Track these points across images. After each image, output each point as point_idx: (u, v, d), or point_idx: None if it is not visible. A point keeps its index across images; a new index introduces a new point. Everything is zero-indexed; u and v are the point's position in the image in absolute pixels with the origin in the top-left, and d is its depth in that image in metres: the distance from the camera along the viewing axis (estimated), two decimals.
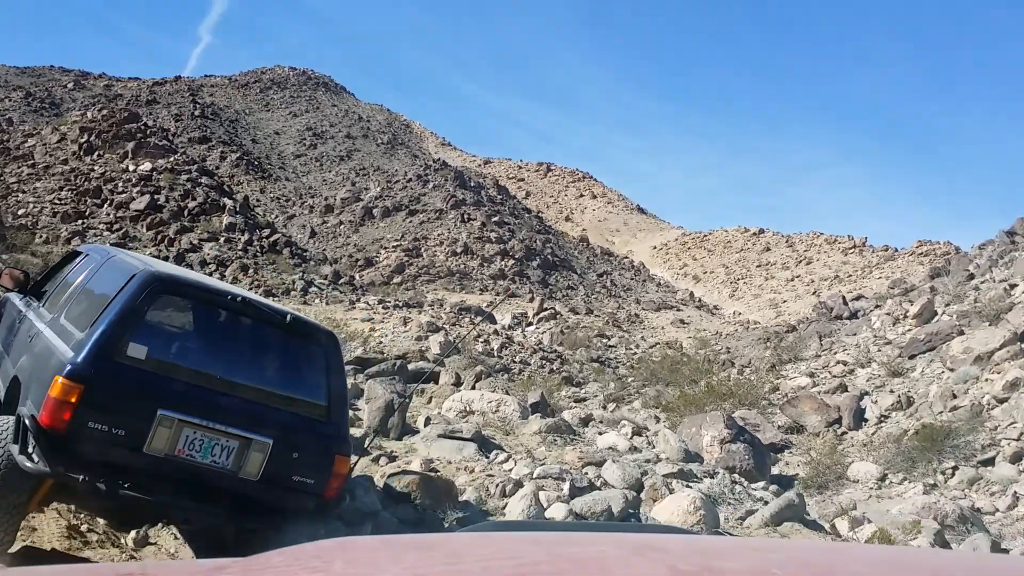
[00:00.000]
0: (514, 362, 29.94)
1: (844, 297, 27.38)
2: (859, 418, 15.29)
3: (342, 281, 38.80)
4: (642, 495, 8.59)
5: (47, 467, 4.49)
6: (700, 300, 71.29)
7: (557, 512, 7.60)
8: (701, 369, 23.19)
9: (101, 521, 5.83)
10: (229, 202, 39.58)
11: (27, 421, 4.57)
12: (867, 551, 2.23)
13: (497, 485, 8.11)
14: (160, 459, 4.76)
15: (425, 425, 10.16)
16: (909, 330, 19.96)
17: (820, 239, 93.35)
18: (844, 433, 14.93)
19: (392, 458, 8.76)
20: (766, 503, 9.00)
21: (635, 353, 38.64)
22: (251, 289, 32.32)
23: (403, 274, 52.33)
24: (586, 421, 14.63)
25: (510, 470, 8.74)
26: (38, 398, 4.72)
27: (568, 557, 1.29)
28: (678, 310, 61.29)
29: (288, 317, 5.49)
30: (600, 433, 11.53)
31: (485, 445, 9.50)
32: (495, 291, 50.97)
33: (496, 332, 35.61)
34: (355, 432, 9.29)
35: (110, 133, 40.62)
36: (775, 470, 12.75)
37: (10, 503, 4.66)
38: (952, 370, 15.79)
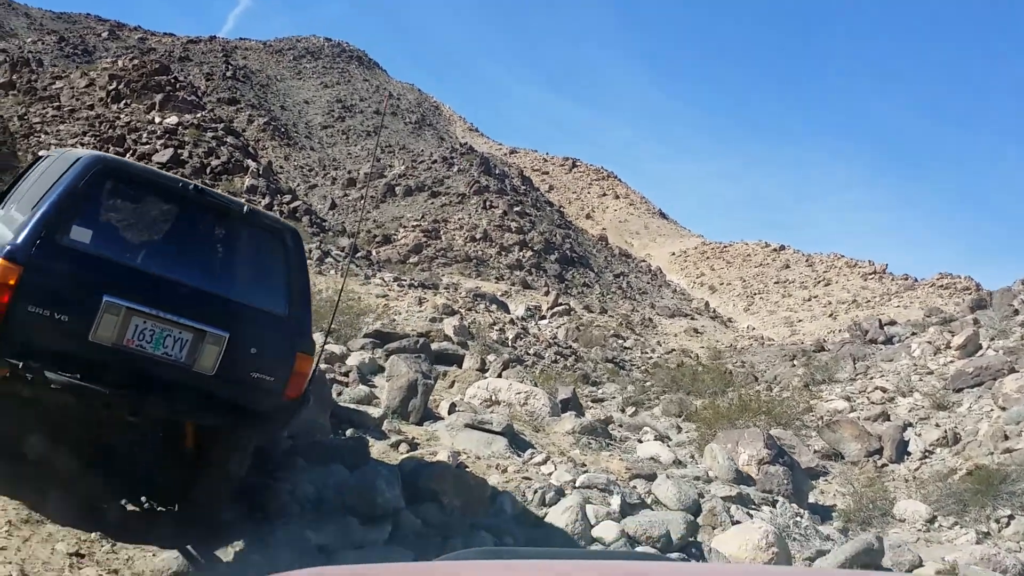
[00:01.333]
0: (528, 354, 29.14)
1: (880, 320, 26.40)
2: (901, 450, 14.34)
3: (359, 255, 38.12)
4: (699, 520, 7.58)
5: None
6: (715, 311, 70.34)
7: (607, 531, 6.60)
8: (724, 381, 22.31)
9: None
10: (253, 164, 38.84)
11: None
12: None
13: (536, 491, 7.11)
14: (107, 348, 4.52)
15: (449, 412, 9.16)
16: (951, 361, 19.01)
17: (840, 261, 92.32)
18: (884, 465, 13.98)
19: (413, 445, 7.78)
20: (831, 540, 8.05)
21: (650, 357, 37.80)
22: None
23: (420, 254, 51.60)
24: (606, 423, 13.73)
25: (549, 474, 7.73)
26: None
27: None
28: (692, 319, 60.41)
29: (245, 208, 5.33)
30: (640, 441, 10.57)
31: (515, 441, 8.50)
32: (511, 281, 50.25)
33: (512, 322, 34.81)
34: (373, 412, 8.38)
35: (139, 83, 39.87)
36: (810, 498, 11.81)
37: None
38: (1004, 409, 14.80)
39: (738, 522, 7.64)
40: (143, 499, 5.47)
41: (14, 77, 38.81)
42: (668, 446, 10.49)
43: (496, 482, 7.10)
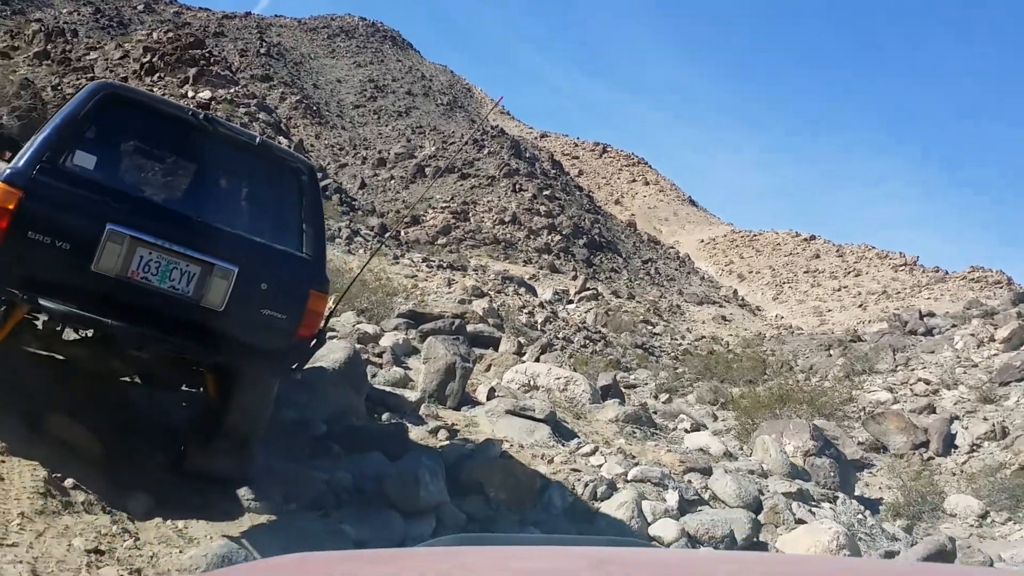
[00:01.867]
0: (557, 337, 28.86)
1: (920, 311, 25.78)
2: (948, 443, 13.88)
3: (388, 235, 37.94)
4: (760, 518, 7.10)
5: None
6: (743, 299, 69.66)
7: (665, 530, 6.20)
8: (759, 369, 21.85)
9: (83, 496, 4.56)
10: (285, 142, 38.64)
11: None
12: (817, 562, 2.10)
13: (586, 484, 6.65)
14: (110, 279, 4.34)
15: (488, 398, 8.80)
16: (995, 355, 18.48)
17: (871, 252, 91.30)
18: (931, 458, 13.54)
19: (452, 432, 7.41)
20: (897, 539, 7.62)
21: (680, 344, 37.37)
22: None
23: (448, 236, 51.33)
24: (644, 409, 13.34)
25: (599, 466, 7.28)
26: None
27: (527, 571, 1.27)
28: (720, 306, 59.90)
29: (258, 140, 5.18)
30: (686, 431, 10.15)
31: (558, 429, 8.10)
32: (539, 264, 49.92)
33: (541, 305, 34.48)
34: (409, 396, 8.02)
35: (173, 57, 39.73)
36: (855, 490, 11.38)
37: None
38: None
39: (801, 520, 7.21)
40: (168, 478, 5.17)
41: (48, 47, 38.73)
42: (720, 438, 10.01)
43: (543, 472, 6.70)
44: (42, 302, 4.24)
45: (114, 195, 4.51)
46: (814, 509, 7.67)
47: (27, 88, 15.00)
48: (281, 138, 38.71)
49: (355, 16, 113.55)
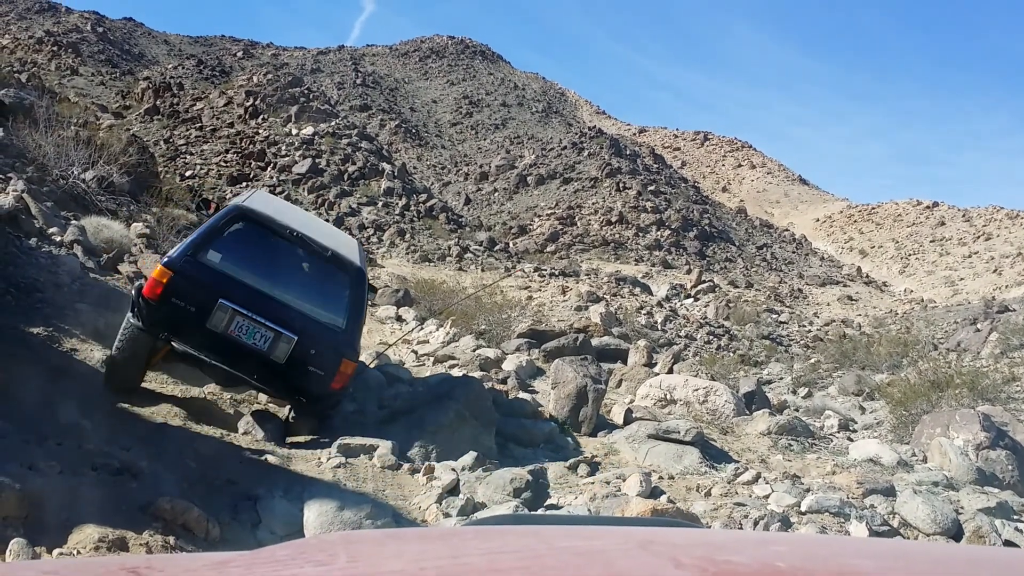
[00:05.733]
0: (679, 336, 28.06)
1: None
2: None
3: (497, 248, 37.87)
4: (963, 544, 6.08)
5: (143, 325, 6.37)
6: (868, 276, 66.86)
7: None
8: (901, 352, 20.52)
9: None
10: (388, 167, 39.08)
11: (136, 292, 6.44)
12: (871, 544, 2.01)
13: (755, 522, 5.81)
14: (217, 334, 6.38)
15: (626, 420, 8.14)
16: None
17: (1000, 213, 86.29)
18: None
19: (593, 466, 6.76)
20: None
21: (809, 331, 35.88)
22: (407, 254, 31.75)
23: (557, 242, 51.02)
24: (780, 409, 12.51)
25: (766, 497, 6.43)
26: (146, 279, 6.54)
27: (572, 550, 1.29)
28: (845, 286, 57.64)
29: (329, 253, 7.07)
30: (850, 439, 9.26)
31: (707, 450, 7.40)
32: (651, 262, 49.03)
33: (659, 304, 33.65)
34: (541, 425, 7.48)
35: (274, 97, 40.80)
36: None
37: (137, 354, 6.61)
38: None
39: (1010, 543, 6.22)
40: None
41: (158, 102, 40.36)
42: (890, 445, 8.98)
43: (702, 510, 5.95)
44: (175, 344, 6.58)
45: (227, 281, 6.48)
46: (1020, 526, 6.65)
47: (133, 144, 15.37)
48: (384, 164, 39.14)
49: (443, 36, 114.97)
